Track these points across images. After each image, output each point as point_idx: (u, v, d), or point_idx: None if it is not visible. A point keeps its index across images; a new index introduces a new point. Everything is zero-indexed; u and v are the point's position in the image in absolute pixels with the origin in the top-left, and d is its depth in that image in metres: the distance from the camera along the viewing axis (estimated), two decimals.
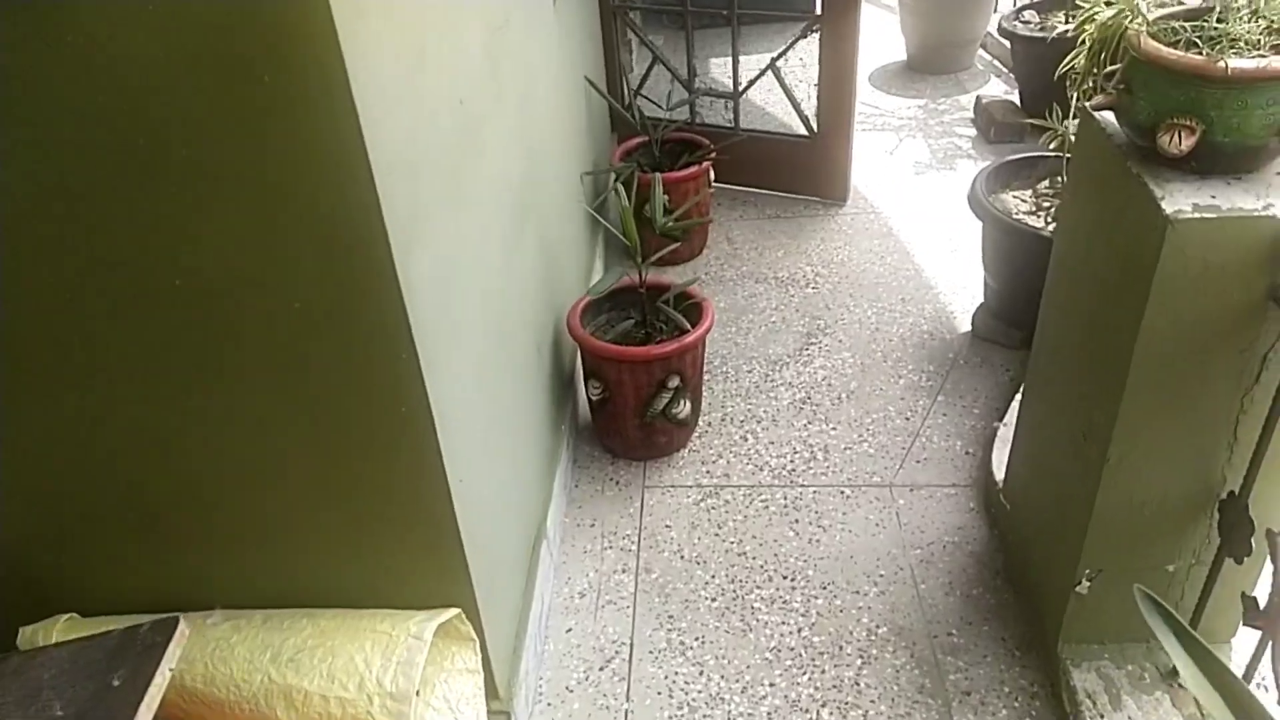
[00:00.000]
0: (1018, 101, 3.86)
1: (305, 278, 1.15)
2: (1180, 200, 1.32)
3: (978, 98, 3.95)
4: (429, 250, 1.28)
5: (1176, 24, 1.38)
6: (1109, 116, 1.50)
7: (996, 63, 4.47)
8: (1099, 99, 1.45)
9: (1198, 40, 1.33)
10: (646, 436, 2.27)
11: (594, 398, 2.26)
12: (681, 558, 2.07)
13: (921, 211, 3.33)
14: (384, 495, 1.35)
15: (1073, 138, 2.58)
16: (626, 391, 2.19)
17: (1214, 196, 1.31)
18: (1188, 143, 1.31)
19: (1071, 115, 2.56)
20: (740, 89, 3.35)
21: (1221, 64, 1.25)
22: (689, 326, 2.17)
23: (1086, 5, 2.19)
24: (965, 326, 2.73)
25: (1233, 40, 1.31)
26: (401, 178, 1.17)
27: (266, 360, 1.23)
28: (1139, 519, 1.58)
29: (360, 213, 1.10)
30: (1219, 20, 1.34)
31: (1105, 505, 1.57)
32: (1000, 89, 4.19)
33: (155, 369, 1.23)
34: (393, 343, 1.21)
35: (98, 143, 1.05)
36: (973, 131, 3.87)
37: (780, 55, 3.27)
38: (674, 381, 2.19)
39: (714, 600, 1.96)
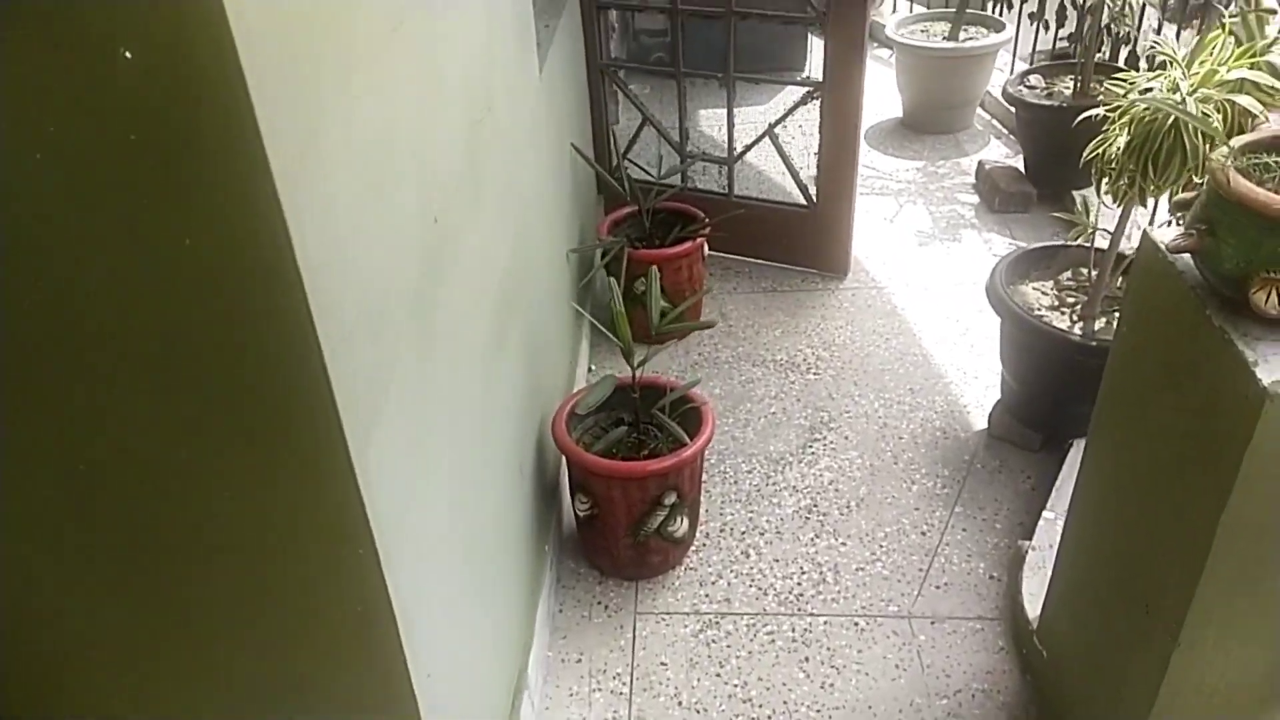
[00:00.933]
0: (1022, 168, 3.71)
1: (241, 467, 0.94)
2: (1277, 368, 1.13)
3: (979, 162, 3.79)
4: (393, 421, 1.06)
5: (1268, 158, 1.20)
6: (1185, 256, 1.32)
7: (996, 123, 4.32)
8: (1179, 241, 1.26)
9: None
10: (639, 556, 2.05)
11: (581, 514, 2.04)
12: (679, 704, 1.84)
13: (927, 286, 3.16)
14: (343, 703, 1.12)
15: (1100, 232, 2.41)
16: (617, 509, 1.98)
17: None
18: None
19: (1099, 204, 2.40)
20: (735, 154, 3.16)
21: None
22: (687, 440, 1.96)
23: (1120, 89, 2.02)
24: (980, 423, 2.54)
25: None
26: (361, 343, 0.96)
27: (196, 556, 1.00)
28: (1208, 705, 1.38)
29: (309, 398, 0.89)
30: None
31: (1171, 690, 1.37)
32: (1001, 152, 4.04)
33: (78, 578, 1.00)
34: (349, 540, 0.99)
35: None
36: (975, 198, 3.71)
37: (779, 122, 3.09)
38: (670, 498, 1.98)
39: None
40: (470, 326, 1.48)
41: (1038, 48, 4.11)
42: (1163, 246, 1.31)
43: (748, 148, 3.16)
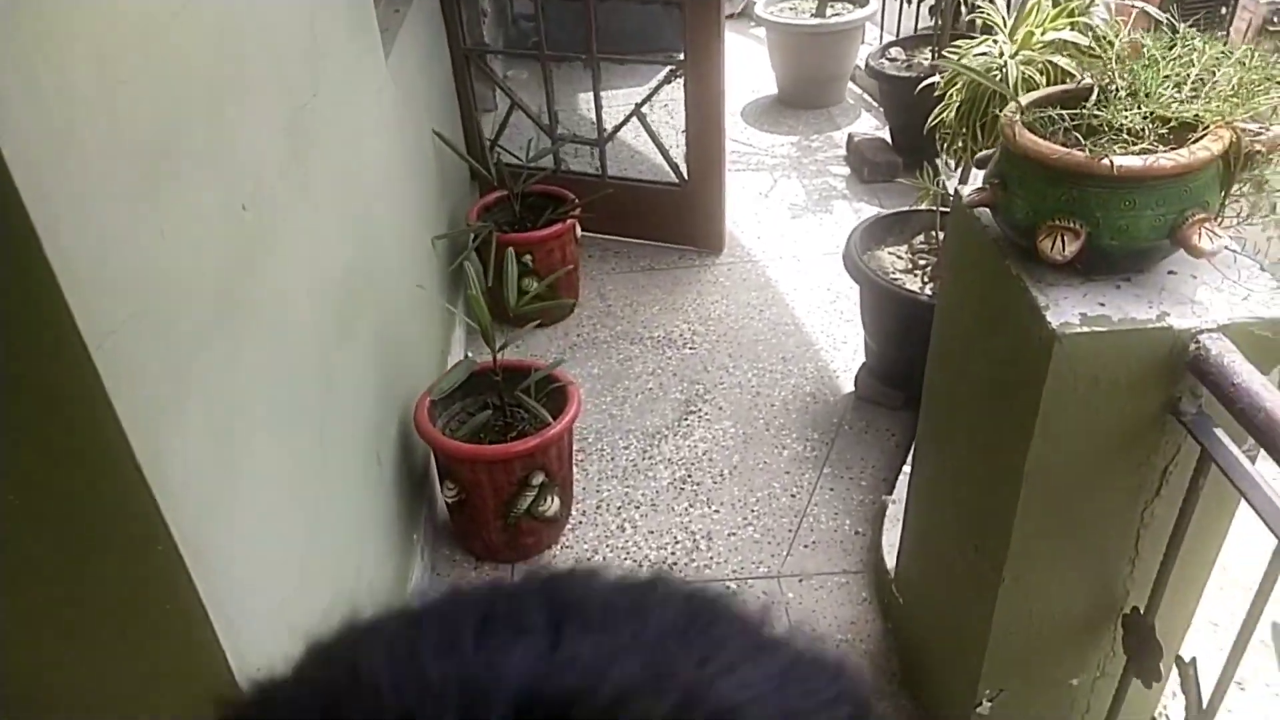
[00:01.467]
0: (888, 139, 3.81)
1: (22, 471, 0.90)
2: (1066, 310, 1.19)
3: (850, 135, 3.88)
4: (197, 417, 1.04)
5: (1054, 112, 1.26)
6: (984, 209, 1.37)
7: (866, 97, 4.43)
8: (974, 196, 1.31)
9: (1078, 131, 1.21)
10: (512, 539, 2.06)
11: (450, 500, 2.03)
12: None
13: (799, 258, 3.22)
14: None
15: (949, 190, 2.49)
16: (485, 493, 1.97)
17: (1103, 304, 1.19)
18: (1072, 247, 1.18)
19: (943, 167, 2.48)
20: (605, 135, 3.17)
21: (1107, 161, 1.13)
22: (550, 419, 1.96)
23: (953, 56, 2.09)
24: (848, 387, 2.62)
25: (1115, 131, 1.19)
26: (142, 338, 0.94)
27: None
28: (1039, 635, 1.45)
29: (81, 396, 0.86)
30: (1099, 107, 1.23)
31: (1002, 623, 1.44)
32: (871, 124, 4.15)
33: None
34: (148, 540, 0.97)
35: None
36: (846, 170, 3.80)
37: (644, 102, 3.11)
38: (538, 478, 1.98)
39: None
40: (301, 318, 1.45)
41: (903, 22, 4.22)
42: (962, 200, 1.37)
43: (616, 128, 3.17)
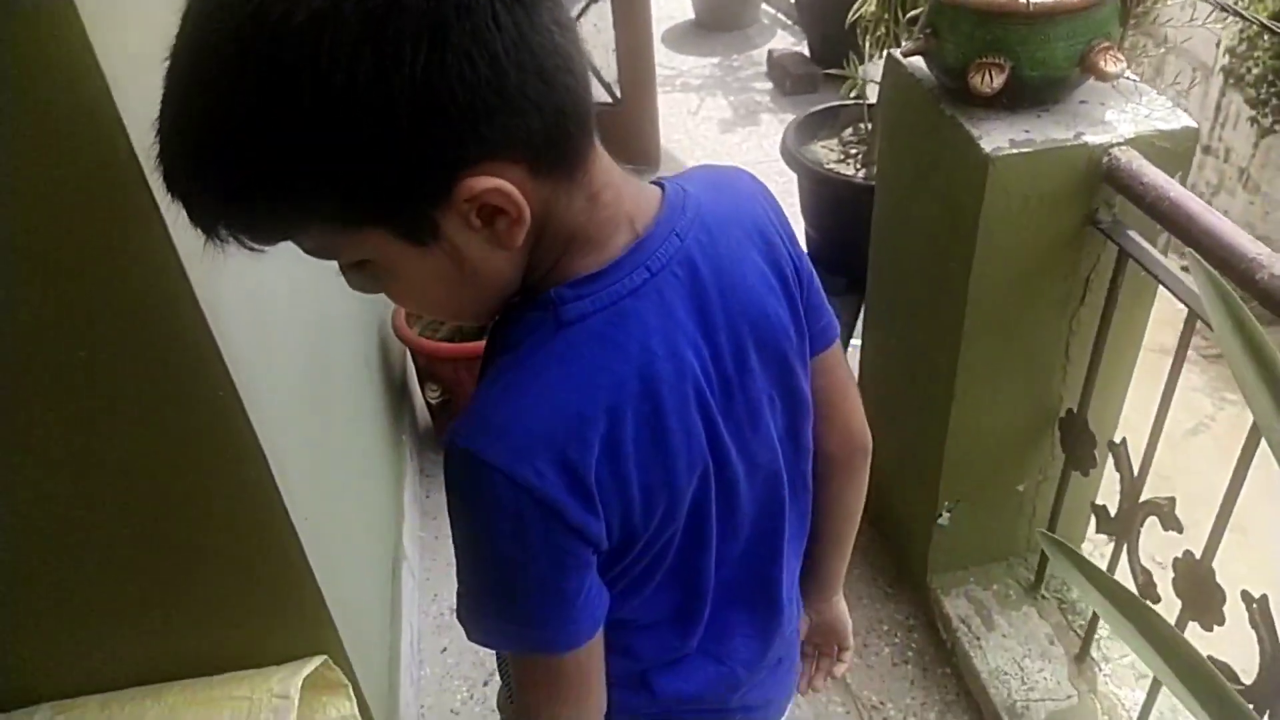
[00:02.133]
0: (807, 52, 3.96)
1: (95, 325, 0.99)
2: (997, 137, 1.35)
3: (769, 51, 4.02)
4: (235, 284, 1.13)
5: None
6: (917, 62, 1.52)
7: (781, 16, 4.56)
8: (907, 45, 1.46)
9: None
10: None
11: (433, 401, 2.14)
12: None
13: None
14: (223, 547, 1.19)
15: (870, 84, 2.65)
16: (467, 390, 2.08)
17: (1028, 131, 1.35)
18: (999, 80, 1.33)
19: (866, 61, 2.63)
20: None
21: (1023, 1, 1.28)
22: None
23: None
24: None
25: None
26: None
27: (63, 422, 1.05)
28: (988, 447, 1.64)
29: (152, 255, 0.95)
30: None
31: (955, 438, 1.62)
32: (789, 41, 4.29)
33: None
34: (206, 379, 1.06)
35: None
36: (769, 85, 3.94)
37: (576, 19, 3.19)
38: None
39: None
40: None
41: None
42: (899, 56, 1.52)
43: None
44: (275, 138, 0.52)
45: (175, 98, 0.55)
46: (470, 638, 0.72)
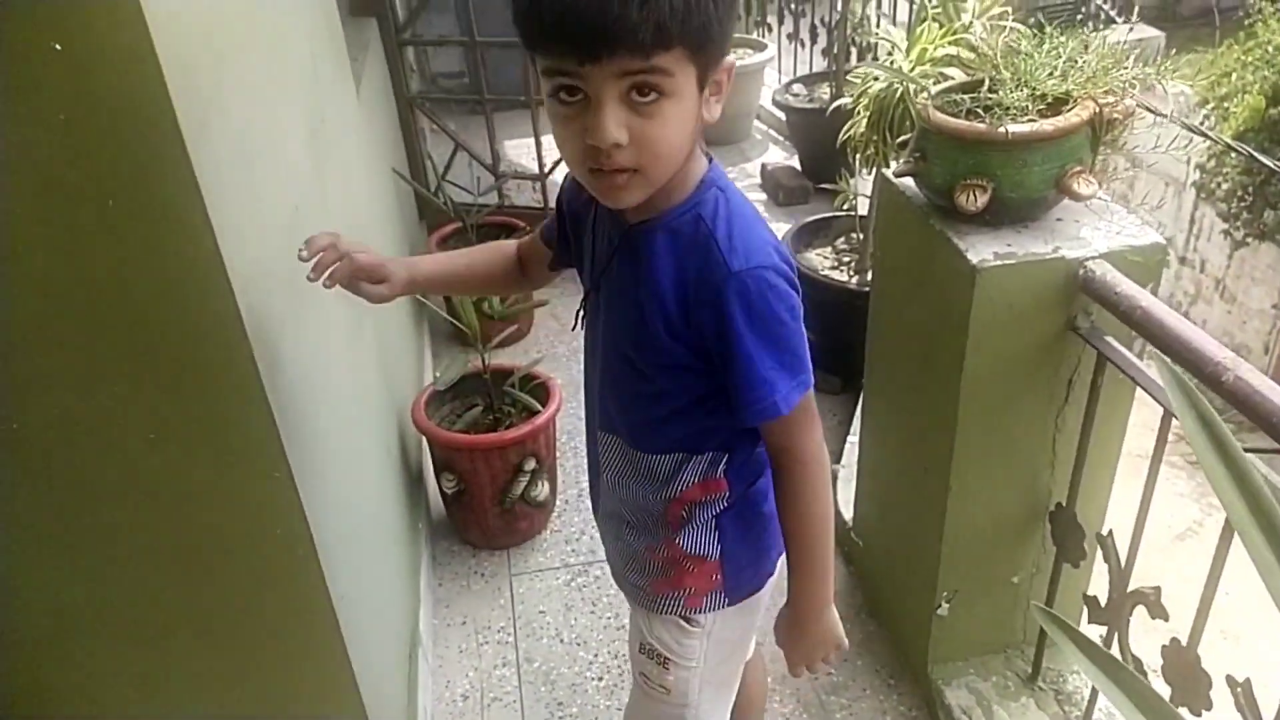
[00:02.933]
0: (798, 166, 4.18)
1: (160, 405, 1.08)
2: (982, 250, 1.49)
3: (762, 165, 4.24)
4: (289, 362, 1.24)
5: (956, 96, 1.57)
6: (907, 181, 1.67)
7: (772, 132, 4.82)
8: (899, 167, 1.61)
9: (978, 110, 1.52)
10: (507, 524, 2.24)
11: (449, 491, 2.22)
12: (561, 641, 2.04)
13: None
14: (267, 619, 1.26)
15: (861, 198, 2.83)
16: (483, 480, 2.16)
17: (1009, 245, 1.49)
18: (982, 200, 1.48)
19: (856, 175, 2.81)
20: (546, 170, 3.43)
21: (1002, 130, 1.44)
22: (540, 407, 2.18)
23: (858, 80, 2.43)
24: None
25: (1005, 108, 1.50)
26: (256, 288, 1.13)
27: (122, 496, 1.13)
28: (983, 539, 1.73)
29: (221, 329, 1.05)
30: (991, 91, 1.54)
31: (952, 530, 1.71)
32: (780, 155, 4.52)
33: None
34: (265, 461, 1.15)
35: None
36: (763, 196, 4.15)
37: None
38: (530, 464, 2.18)
39: (600, 680, 1.95)
40: (331, 309, 1.64)
41: (798, 64, 4.65)
42: (891, 176, 1.67)
43: (556, 163, 3.43)
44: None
45: None
46: (789, 406, 1.06)
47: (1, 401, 1.03)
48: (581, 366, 1.31)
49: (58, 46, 0.89)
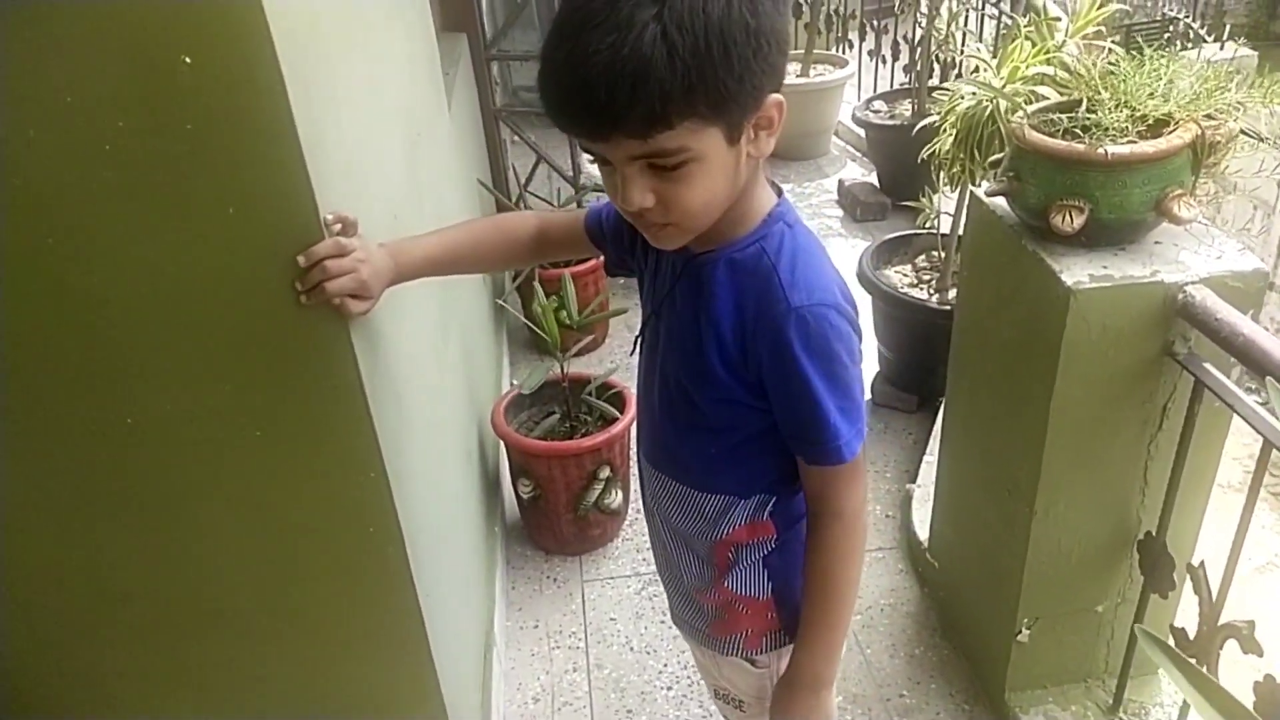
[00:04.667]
0: (876, 183, 4.15)
1: (267, 405, 1.13)
2: (1078, 272, 1.46)
3: (840, 181, 4.22)
4: (386, 365, 1.28)
5: (1053, 116, 1.55)
6: (998, 200, 1.65)
7: (850, 148, 4.79)
8: (991, 186, 1.60)
9: (1076, 129, 1.49)
10: (581, 530, 2.27)
11: (525, 496, 2.25)
12: (631, 649, 2.06)
13: None
14: (356, 616, 1.30)
15: (943, 215, 2.80)
16: (558, 487, 2.19)
17: (1106, 267, 1.47)
18: (1078, 221, 1.46)
19: (939, 193, 2.78)
20: None
21: (1102, 150, 1.42)
22: (617, 414, 2.20)
23: (944, 97, 2.41)
24: (865, 395, 2.87)
25: (1104, 129, 1.47)
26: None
27: (226, 492, 1.18)
28: (1067, 565, 1.69)
29: (327, 332, 1.09)
30: (1089, 111, 1.52)
31: (1036, 555, 1.68)
32: (858, 172, 4.49)
33: (106, 513, 1.16)
34: (362, 461, 1.19)
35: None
36: (840, 212, 4.12)
37: None
38: (605, 472, 2.21)
39: (669, 689, 1.96)
40: (423, 315, 1.69)
41: (879, 80, 4.61)
42: (982, 196, 1.65)
43: None
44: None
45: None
46: (849, 455, 1.00)
47: (117, 397, 1.09)
48: None
49: (187, 60, 0.94)
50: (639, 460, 1.28)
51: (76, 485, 1.14)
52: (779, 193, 1.05)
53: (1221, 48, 4.71)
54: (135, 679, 1.33)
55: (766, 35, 0.85)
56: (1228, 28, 4.85)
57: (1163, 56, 1.56)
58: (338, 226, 1.06)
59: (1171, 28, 5.02)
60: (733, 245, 1.01)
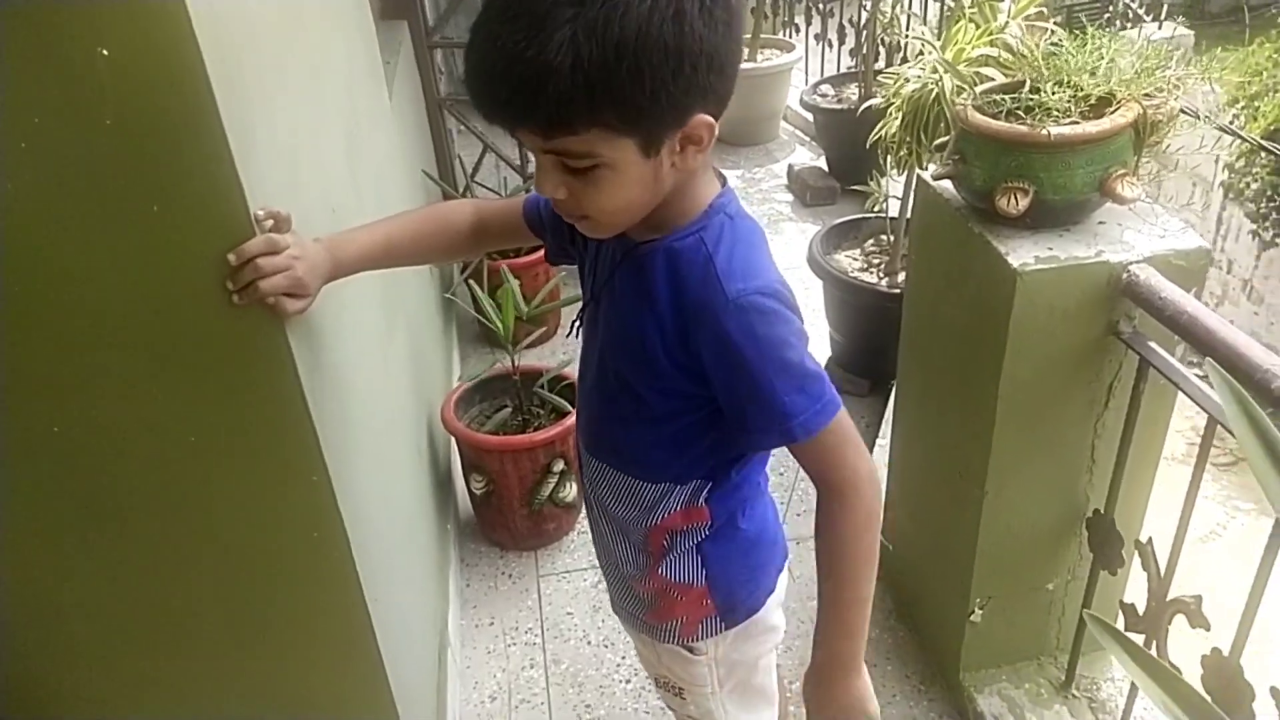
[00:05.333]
0: (825, 167, 4.16)
1: (201, 411, 1.09)
2: (1023, 254, 1.47)
3: (789, 166, 4.23)
4: (326, 364, 1.24)
5: (996, 97, 1.55)
6: (945, 183, 1.65)
7: (799, 133, 4.80)
8: (937, 169, 1.59)
9: (1019, 111, 1.50)
10: (535, 525, 2.24)
11: (477, 491, 2.22)
12: (589, 643, 2.04)
13: None
14: (302, 623, 1.26)
15: (892, 199, 2.81)
16: (511, 481, 2.16)
17: (1051, 248, 1.47)
18: (1023, 203, 1.46)
19: (887, 177, 2.80)
20: None
21: (1045, 131, 1.42)
22: (569, 408, 2.17)
23: (890, 81, 2.41)
24: None
25: (1047, 110, 1.48)
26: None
27: (162, 502, 1.14)
28: (1018, 545, 1.71)
29: (263, 333, 1.05)
30: (1032, 92, 1.52)
31: (987, 536, 1.69)
32: (807, 156, 4.50)
33: (41, 527, 1.11)
34: (303, 465, 1.15)
35: None
36: (790, 197, 4.13)
37: None
38: (559, 466, 2.18)
39: (628, 682, 1.94)
40: (365, 311, 1.65)
41: (826, 64, 4.62)
42: (929, 179, 1.65)
43: None
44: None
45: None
46: (814, 428, 0.98)
47: (44, 405, 1.04)
48: None
49: (105, 52, 0.89)
50: (578, 448, 1.26)
51: (3, 499, 1.09)
52: (724, 182, 1.04)
53: (1160, 27, 4.79)
54: (80, 692, 1.28)
55: (691, 56, 0.82)
56: (1165, 7, 4.93)
57: (1104, 36, 1.57)
58: (270, 222, 1.02)
59: (1111, 7, 5.10)
60: (673, 235, 1.00)
